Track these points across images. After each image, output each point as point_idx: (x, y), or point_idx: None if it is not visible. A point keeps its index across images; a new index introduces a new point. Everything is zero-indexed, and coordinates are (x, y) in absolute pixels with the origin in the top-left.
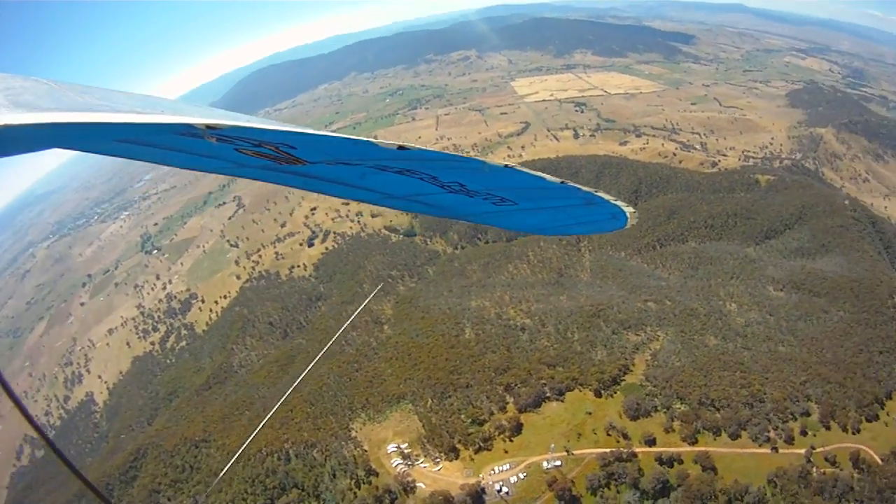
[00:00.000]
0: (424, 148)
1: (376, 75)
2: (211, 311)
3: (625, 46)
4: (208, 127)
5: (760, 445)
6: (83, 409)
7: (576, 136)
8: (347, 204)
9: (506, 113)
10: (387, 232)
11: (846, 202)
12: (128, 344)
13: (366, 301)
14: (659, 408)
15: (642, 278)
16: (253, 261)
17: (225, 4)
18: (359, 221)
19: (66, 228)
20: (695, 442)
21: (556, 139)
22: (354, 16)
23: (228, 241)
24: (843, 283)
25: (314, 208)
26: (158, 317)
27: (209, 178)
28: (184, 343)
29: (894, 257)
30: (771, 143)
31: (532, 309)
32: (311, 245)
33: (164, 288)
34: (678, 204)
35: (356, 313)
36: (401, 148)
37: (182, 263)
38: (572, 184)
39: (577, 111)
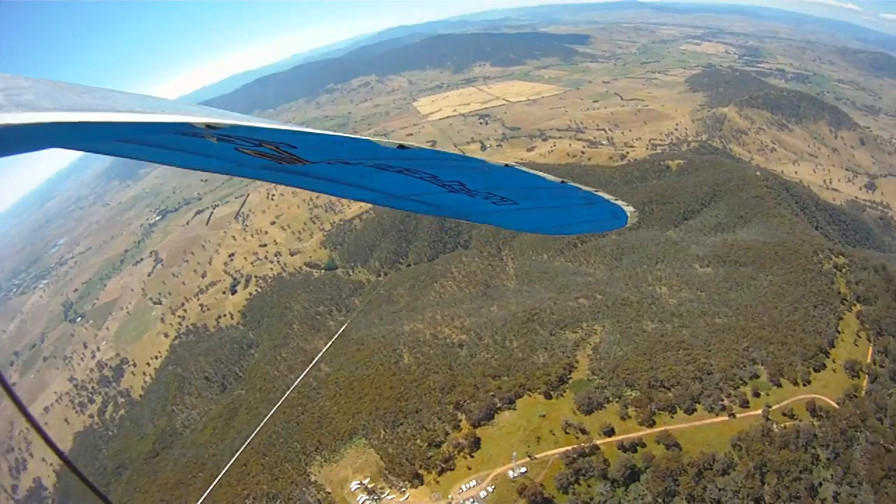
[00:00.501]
0: (424, 147)
1: (279, 111)
2: (144, 374)
3: (522, 54)
4: (208, 126)
5: (717, 414)
6: (34, 496)
7: (483, 147)
8: (265, 245)
9: (411, 134)
10: (308, 269)
11: (758, 173)
12: (66, 420)
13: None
14: (611, 398)
15: (569, 277)
16: (179, 316)
17: (125, 56)
18: (279, 262)
19: None
20: (653, 424)
21: (464, 154)
22: (251, 53)
23: (151, 298)
24: (767, 249)
25: (232, 254)
26: (93, 387)
27: (123, 236)
28: (123, 411)
29: (812, 217)
30: (676, 129)
31: (466, 324)
32: (234, 292)
33: (94, 356)
34: None
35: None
36: (401, 147)
37: (108, 328)
38: (572, 184)
39: (481, 123)
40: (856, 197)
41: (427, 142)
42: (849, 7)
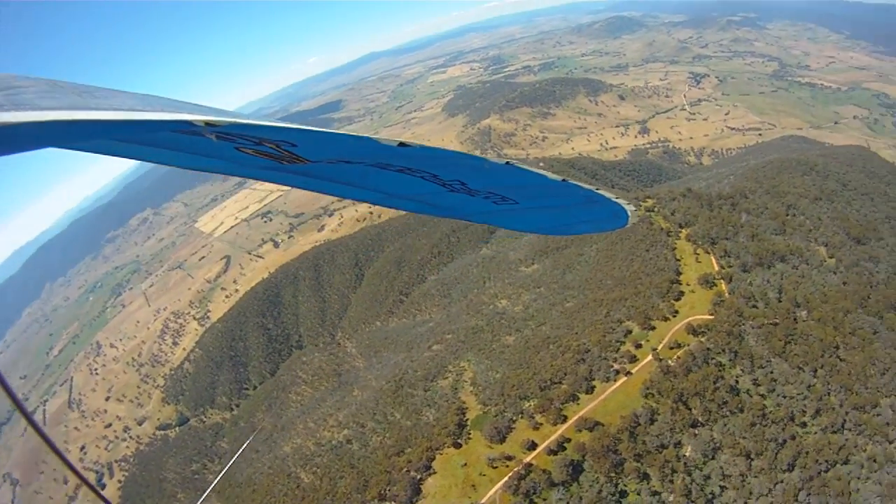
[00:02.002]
0: (425, 145)
1: (70, 277)
2: None
3: None
4: (207, 123)
5: (615, 380)
6: None
7: (276, 245)
8: (110, 425)
9: (204, 257)
10: (162, 432)
11: (541, 164)
12: None
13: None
14: (514, 417)
15: (409, 332)
16: None
17: None
18: (130, 436)
19: None
20: (565, 419)
21: (261, 257)
22: (21, 222)
23: None
24: None
25: (83, 447)
26: None
27: None
28: None
29: (604, 179)
30: None
31: (341, 419)
32: (103, 488)
33: None
34: (400, 252)
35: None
36: (401, 145)
37: None
38: (573, 181)
39: (265, 222)
40: (635, 145)
41: (221, 259)
42: None
